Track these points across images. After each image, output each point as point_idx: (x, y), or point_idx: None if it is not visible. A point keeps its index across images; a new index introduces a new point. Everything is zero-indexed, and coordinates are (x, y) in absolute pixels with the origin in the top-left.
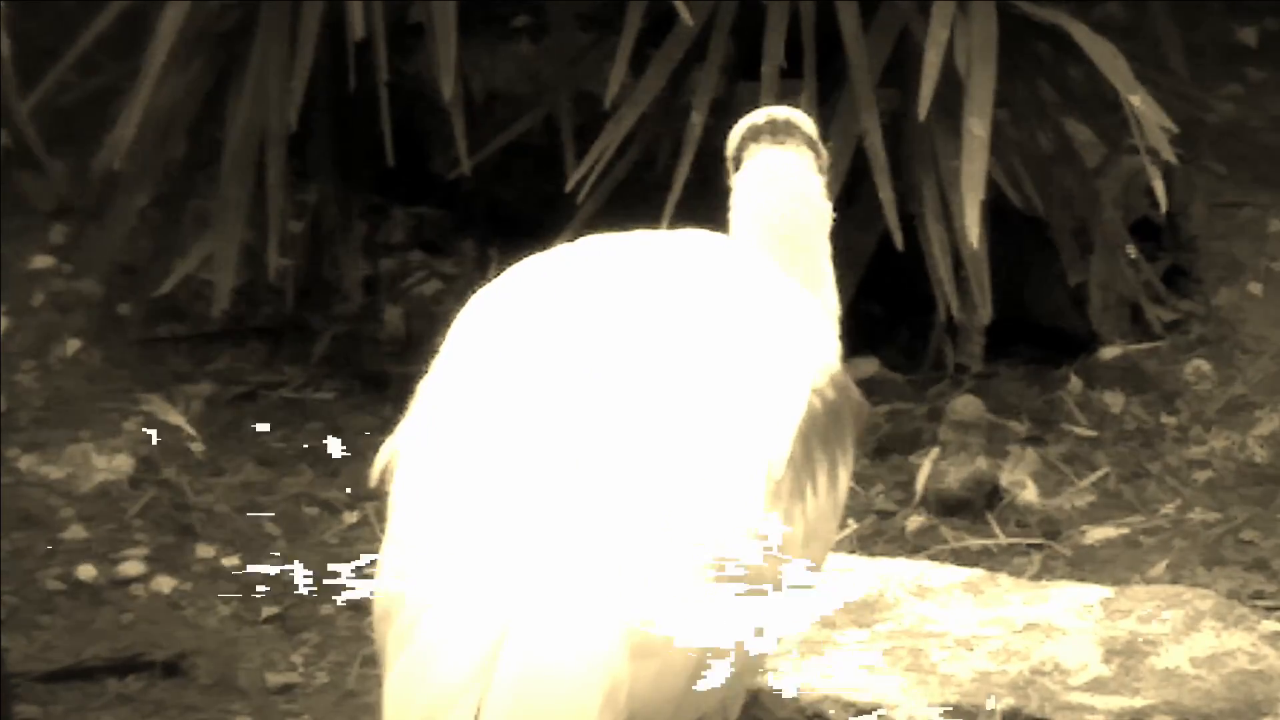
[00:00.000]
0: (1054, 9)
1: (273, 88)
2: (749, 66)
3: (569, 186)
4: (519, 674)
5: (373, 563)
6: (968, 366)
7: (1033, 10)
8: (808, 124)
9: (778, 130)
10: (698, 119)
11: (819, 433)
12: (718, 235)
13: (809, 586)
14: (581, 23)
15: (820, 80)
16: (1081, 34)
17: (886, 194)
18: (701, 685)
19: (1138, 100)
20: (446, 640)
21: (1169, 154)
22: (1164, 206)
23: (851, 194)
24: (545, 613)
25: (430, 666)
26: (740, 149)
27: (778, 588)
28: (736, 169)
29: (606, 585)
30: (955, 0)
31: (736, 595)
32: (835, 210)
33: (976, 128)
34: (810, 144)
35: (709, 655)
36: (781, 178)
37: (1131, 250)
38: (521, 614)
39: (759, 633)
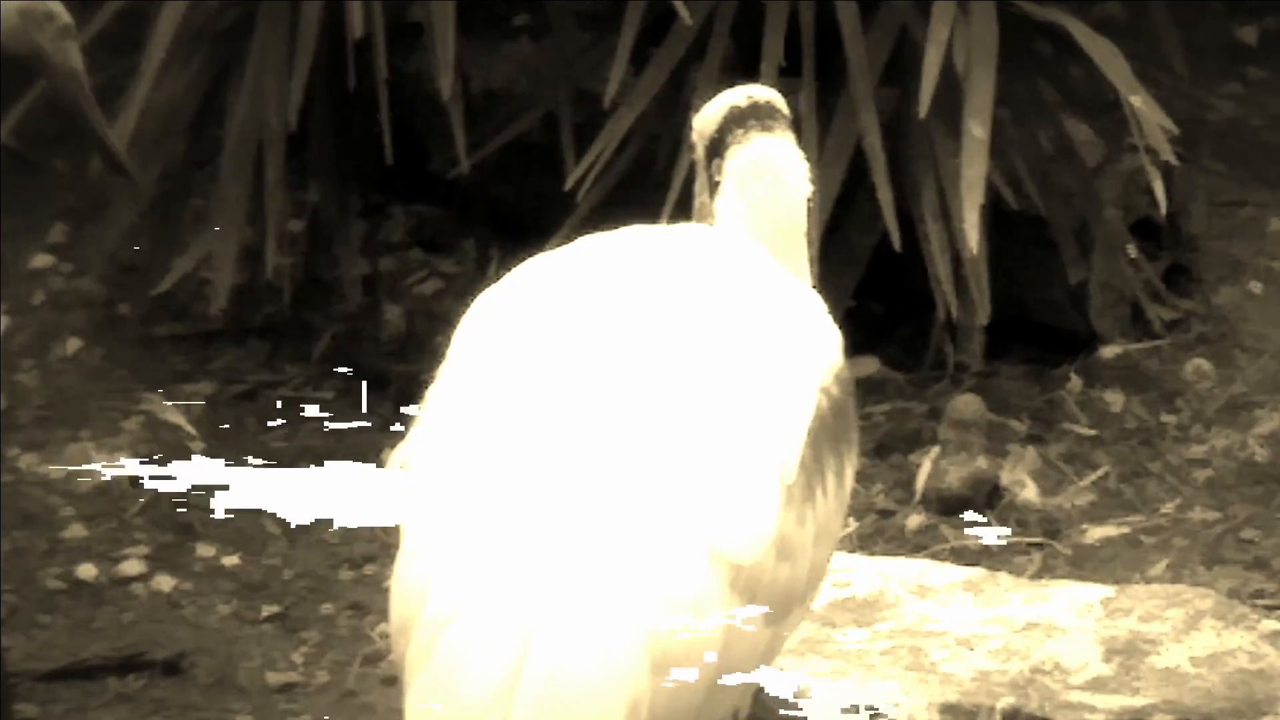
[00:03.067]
0: (1054, 8)
1: (271, 86)
2: (748, 66)
3: (568, 186)
4: (543, 688)
5: (372, 561)
6: (968, 365)
7: (1033, 10)
8: (784, 104)
9: (763, 115)
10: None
11: (827, 432)
12: (716, 230)
13: (819, 587)
14: (581, 22)
15: (819, 80)
16: (1081, 33)
17: (885, 194)
18: (719, 693)
19: (1138, 101)
20: (469, 655)
21: (1169, 154)
22: (1163, 207)
23: (851, 194)
24: (567, 626)
25: (454, 682)
26: (724, 132)
27: (791, 591)
28: (716, 151)
29: (626, 597)
30: (955, 0)
31: (752, 601)
32: (834, 210)
33: (976, 130)
34: (790, 126)
35: (727, 664)
36: (780, 169)
37: (1132, 250)
38: (543, 627)
39: (775, 636)
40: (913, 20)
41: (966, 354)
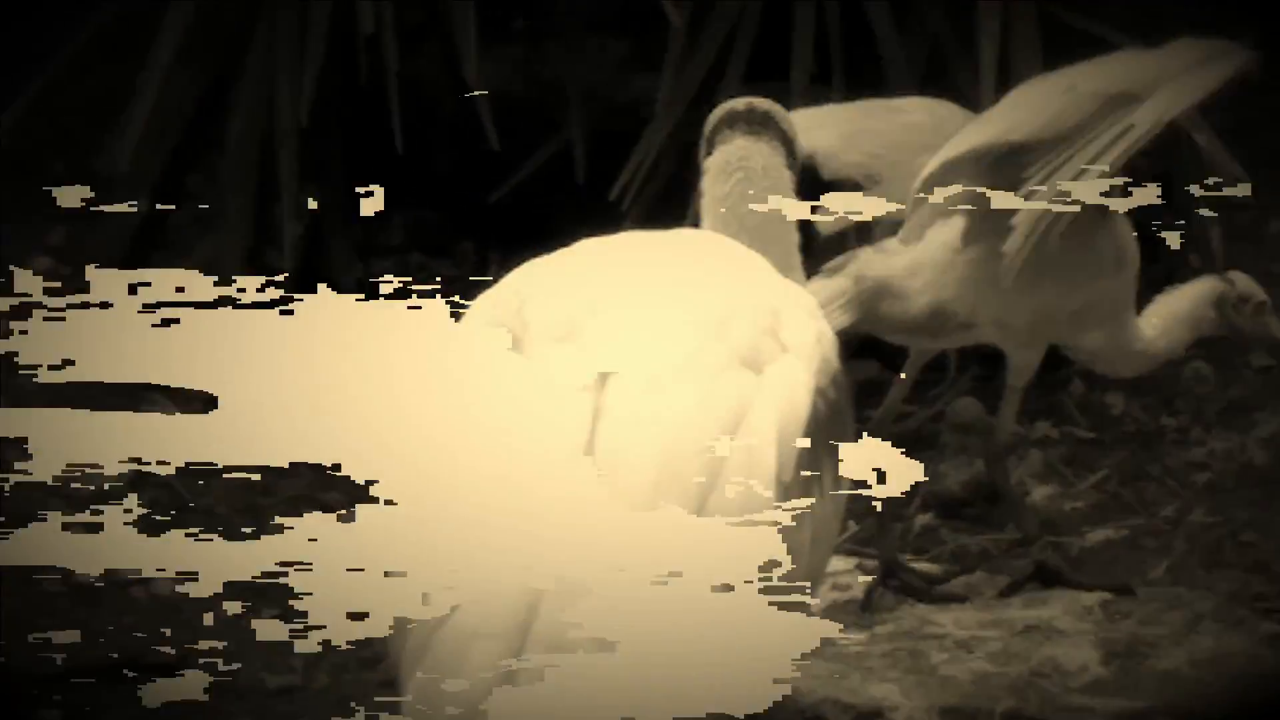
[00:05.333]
0: (1089, 19)
1: (282, 85)
2: (780, 75)
3: (612, 196)
4: (539, 680)
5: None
6: (968, 368)
7: (1071, 18)
8: (786, 118)
9: (754, 120)
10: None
11: (823, 434)
12: (714, 234)
13: (816, 587)
14: (586, 24)
15: (850, 87)
16: (1122, 42)
17: None
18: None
19: None
20: (468, 648)
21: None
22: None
23: None
24: (564, 618)
25: (452, 674)
26: (715, 134)
27: (789, 588)
28: (709, 152)
29: (624, 590)
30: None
31: (749, 595)
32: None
33: None
34: (784, 139)
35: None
36: (750, 169)
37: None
38: (541, 620)
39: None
40: (943, 30)
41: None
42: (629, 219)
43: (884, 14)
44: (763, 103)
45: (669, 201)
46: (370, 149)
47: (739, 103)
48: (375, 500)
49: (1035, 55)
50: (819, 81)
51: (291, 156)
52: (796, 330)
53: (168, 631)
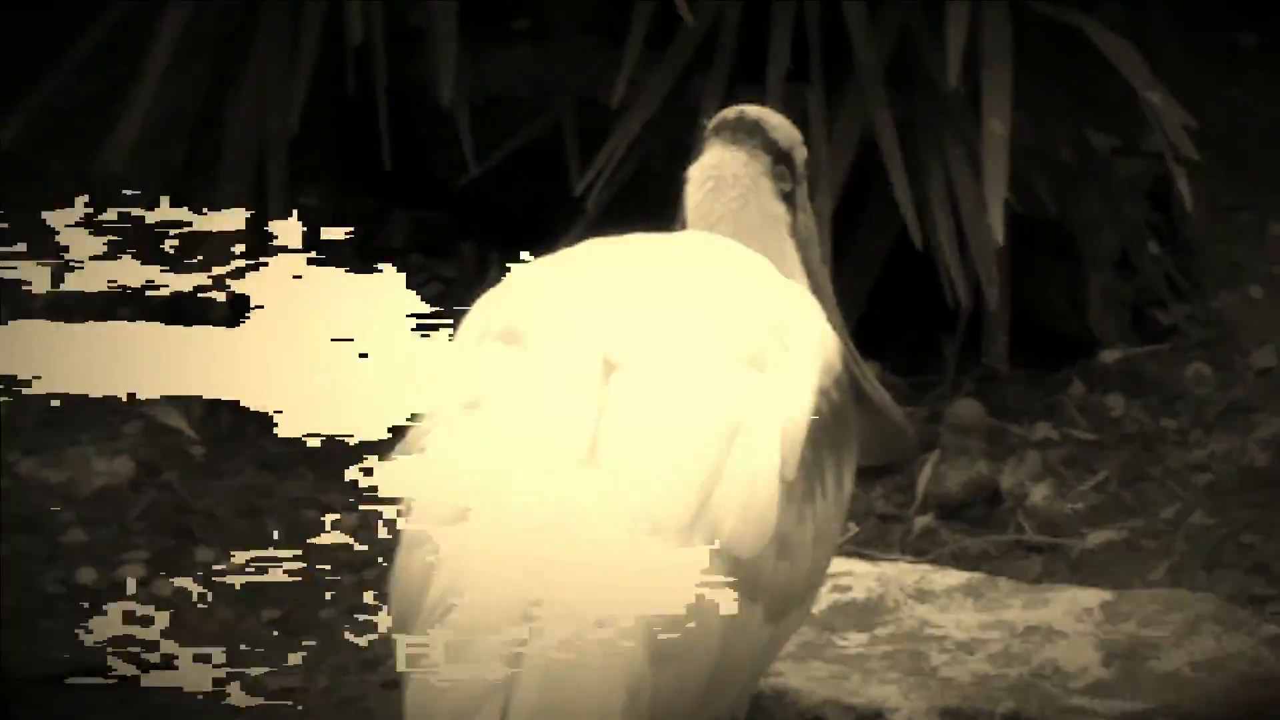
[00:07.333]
0: (1067, 9)
1: (273, 90)
2: (756, 71)
3: (577, 192)
4: (544, 676)
5: (372, 565)
6: (968, 369)
7: (1047, 10)
8: (779, 128)
9: (739, 129)
10: (704, 122)
11: (827, 435)
12: (718, 237)
13: (818, 588)
14: (583, 27)
15: (824, 84)
16: (1097, 32)
17: (899, 179)
18: (718, 689)
19: (1156, 98)
20: (470, 644)
21: (1191, 150)
22: (1188, 203)
23: (863, 201)
24: (568, 615)
25: (455, 669)
26: (704, 141)
27: (791, 589)
28: (695, 160)
29: (627, 589)
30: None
31: (752, 598)
32: (847, 217)
33: (995, 127)
34: (771, 148)
35: (728, 657)
36: (720, 178)
37: (1153, 248)
38: (545, 616)
39: (774, 634)
40: (915, 20)
41: (992, 356)
42: (594, 218)
43: (859, 14)
44: (754, 110)
45: (631, 196)
46: (371, 150)
47: (730, 111)
48: (375, 500)
49: (1005, 45)
50: (797, 79)
51: (281, 162)
52: (800, 331)
53: (168, 633)
